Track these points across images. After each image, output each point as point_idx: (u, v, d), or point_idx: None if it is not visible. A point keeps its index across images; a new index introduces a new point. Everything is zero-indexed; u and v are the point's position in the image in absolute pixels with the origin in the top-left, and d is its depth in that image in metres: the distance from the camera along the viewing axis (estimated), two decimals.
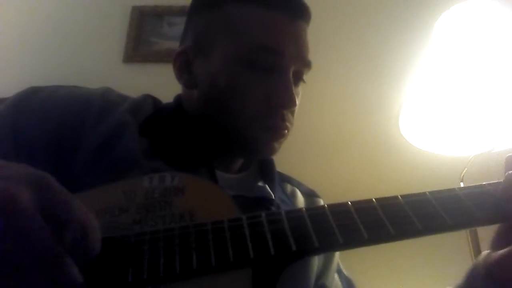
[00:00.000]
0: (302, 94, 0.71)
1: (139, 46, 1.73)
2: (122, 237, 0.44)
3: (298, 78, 0.69)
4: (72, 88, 0.67)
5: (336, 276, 0.76)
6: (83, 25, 1.81)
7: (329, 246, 0.45)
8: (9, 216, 0.33)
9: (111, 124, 0.61)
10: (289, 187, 0.78)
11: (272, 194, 0.68)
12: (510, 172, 0.48)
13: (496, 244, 0.49)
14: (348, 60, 1.64)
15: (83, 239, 0.37)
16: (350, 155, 1.54)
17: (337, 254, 0.76)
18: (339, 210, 0.47)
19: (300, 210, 0.47)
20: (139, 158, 0.59)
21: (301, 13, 0.69)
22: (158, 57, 1.67)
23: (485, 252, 0.52)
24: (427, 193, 0.48)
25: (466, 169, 1.25)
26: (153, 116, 0.67)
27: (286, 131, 0.67)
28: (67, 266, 0.35)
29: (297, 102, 0.66)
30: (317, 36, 1.66)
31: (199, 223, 0.45)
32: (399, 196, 0.48)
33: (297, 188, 0.79)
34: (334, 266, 0.75)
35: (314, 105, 1.59)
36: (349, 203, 0.47)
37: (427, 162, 1.38)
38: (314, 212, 0.47)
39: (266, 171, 0.75)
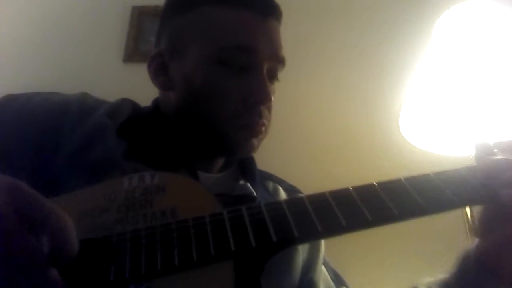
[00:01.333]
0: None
1: (139, 46, 1.73)
2: (104, 237, 0.44)
3: (272, 76, 0.70)
4: (48, 94, 0.68)
5: (323, 267, 0.76)
6: (83, 25, 1.81)
7: (308, 235, 0.46)
8: None
9: (89, 127, 0.62)
10: (271, 184, 0.79)
11: (254, 192, 0.69)
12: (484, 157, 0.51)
13: (482, 231, 0.50)
14: (348, 60, 1.64)
15: (60, 241, 0.36)
16: (350, 155, 1.53)
17: (323, 247, 0.77)
18: (317, 199, 0.47)
19: (279, 202, 0.48)
20: (118, 159, 0.59)
21: (272, 11, 0.70)
22: None
23: (473, 243, 0.52)
24: (402, 179, 0.49)
25: None
26: (130, 118, 0.68)
27: (264, 127, 0.67)
28: (45, 267, 0.35)
29: (272, 98, 0.68)
30: (317, 35, 1.67)
31: (181, 220, 0.45)
32: (375, 183, 0.49)
33: (279, 184, 0.80)
34: (320, 259, 0.75)
35: (314, 105, 1.59)
36: (326, 192, 0.48)
37: (427, 162, 1.37)
38: (293, 203, 0.47)
39: (247, 170, 0.75)
